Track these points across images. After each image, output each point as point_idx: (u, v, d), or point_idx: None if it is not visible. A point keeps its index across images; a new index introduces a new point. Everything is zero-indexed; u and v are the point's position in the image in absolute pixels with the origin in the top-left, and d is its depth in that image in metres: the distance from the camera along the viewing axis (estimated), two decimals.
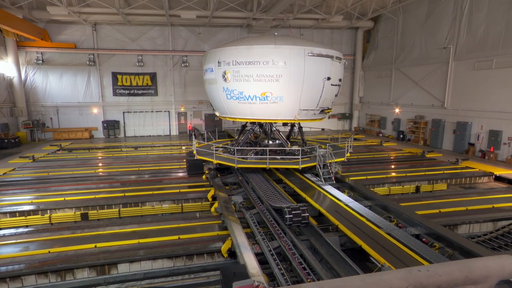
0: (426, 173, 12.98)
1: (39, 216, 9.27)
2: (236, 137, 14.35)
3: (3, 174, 13.28)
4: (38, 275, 6.34)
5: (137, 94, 24.84)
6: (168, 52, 24.62)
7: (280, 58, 10.54)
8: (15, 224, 8.93)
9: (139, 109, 25.14)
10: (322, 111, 11.94)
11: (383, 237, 6.44)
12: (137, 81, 24.60)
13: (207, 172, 12.47)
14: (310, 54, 10.64)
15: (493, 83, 15.73)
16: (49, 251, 6.91)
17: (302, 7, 20.17)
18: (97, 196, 10.41)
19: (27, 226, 8.90)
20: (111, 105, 24.59)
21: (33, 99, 23.07)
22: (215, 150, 11.83)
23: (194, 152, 12.69)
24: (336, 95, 12.23)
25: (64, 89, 23.56)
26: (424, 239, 6.78)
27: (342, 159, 11.91)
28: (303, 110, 11.37)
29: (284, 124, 13.55)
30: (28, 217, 9.17)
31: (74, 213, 9.49)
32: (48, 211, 9.53)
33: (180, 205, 10.14)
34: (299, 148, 11.25)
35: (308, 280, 5.35)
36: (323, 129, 24.96)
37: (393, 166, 14.81)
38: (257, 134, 14.73)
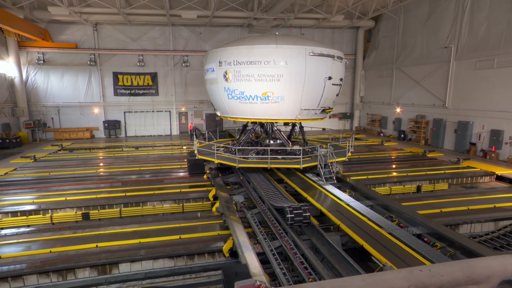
0: (427, 172, 12.95)
1: (41, 216, 9.28)
2: (237, 137, 14.35)
3: (5, 174, 13.31)
4: (39, 275, 6.34)
5: (138, 94, 24.87)
6: (169, 52, 24.64)
7: (281, 58, 10.53)
8: (17, 224, 8.94)
9: (140, 109, 25.17)
10: (323, 111, 11.92)
11: (385, 236, 6.43)
12: (138, 81, 24.63)
13: (208, 171, 12.47)
14: (311, 54, 10.63)
15: (495, 82, 15.69)
16: (50, 251, 6.92)
17: (303, 6, 20.15)
18: (98, 196, 10.43)
19: (28, 226, 8.92)
20: (112, 105, 24.63)
21: (34, 99, 23.12)
22: (216, 150, 11.83)
23: (195, 151, 12.69)
24: (337, 95, 12.22)
25: (65, 89, 23.60)
26: (425, 239, 6.77)
27: (343, 158, 11.90)
28: (304, 109, 11.36)
29: (285, 124, 13.56)
30: (30, 217, 9.19)
31: (75, 213, 9.50)
32: (50, 211, 9.55)
33: (181, 204, 10.14)
34: (300, 148, 11.24)
35: (310, 279, 5.34)
36: (324, 129, 24.93)
37: (394, 166, 14.79)
38: (258, 134, 14.73)
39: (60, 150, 19.04)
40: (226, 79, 11.23)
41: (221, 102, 12.18)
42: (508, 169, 13.41)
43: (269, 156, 10.82)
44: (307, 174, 11.13)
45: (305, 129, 14.00)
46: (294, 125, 13.86)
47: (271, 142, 12.81)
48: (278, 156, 11.62)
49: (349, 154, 12.37)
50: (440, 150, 18.20)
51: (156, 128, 25.66)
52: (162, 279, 6.72)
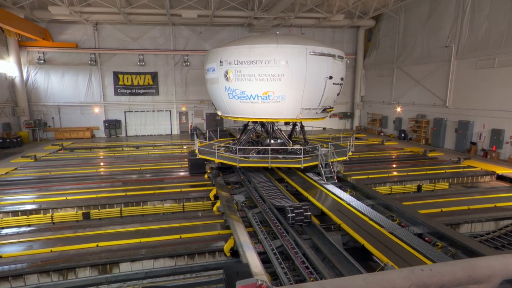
0: (428, 172, 12.94)
1: (41, 215, 9.29)
2: (238, 136, 14.35)
3: (5, 173, 13.32)
4: (40, 274, 6.35)
5: (139, 94, 24.87)
6: (169, 51, 24.63)
7: (282, 57, 10.52)
8: (17, 223, 8.94)
9: (141, 109, 25.17)
10: (324, 110, 11.92)
11: (386, 236, 6.43)
12: (138, 80, 24.63)
13: (209, 171, 12.48)
14: (312, 53, 10.62)
15: (495, 82, 15.66)
16: (51, 250, 6.93)
17: (303, 6, 20.13)
18: (98, 195, 10.43)
19: (29, 225, 8.92)
20: (112, 105, 24.63)
21: (35, 99, 23.13)
22: (217, 150, 11.83)
23: (196, 151, 12.69)
24: (338, 94, 12.21)
25: (66, 88, 23.61)
26: (426, 238, 6.76)
27: (344, 158, 11.89)
28: (305, 109, 11.35)
29: (286, 123, 13.54)
30: (30, 216, 9.19)
31: (76, 212, 9.51)
32: (50, 210, 9.55)
33: (181, 204, 10.14)
34: (301, 147, 11.23)
35: (311, 279, 5.34)
36: (324, 128, 24.92)
37: (394, 165, 14.77)
38: (259, 133, 14.73)
39: (60, 150, 19.05)
40: (227, 79, 11.22)
41: (222, 101, 12.18)
42: (509, 169, 13.39)
43: (270, 155, 10.82)
44: (308, 174, 11.12)
45: (305, 128, 13.99)
46: (295, 124, 13.86)
47: (272, 141, 12.81)
48: (279, 156, 11.62)
49: (350, 153, 12.36)
50: (440, 149, 18.18)
51: (157, 128, 25.66)
52: (163, 278, 6.72)
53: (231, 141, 15.02)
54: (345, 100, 28.11)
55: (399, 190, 11.50)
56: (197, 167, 12.84)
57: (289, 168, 11.52)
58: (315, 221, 7.63)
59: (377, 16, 24.18)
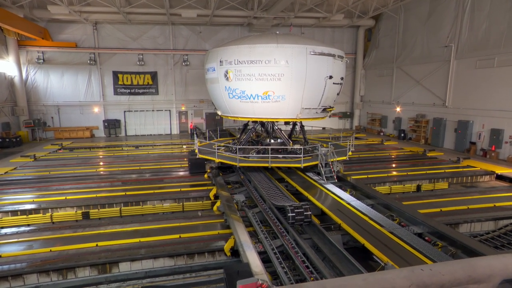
0: (427, 172, 12.95)
1: (41, 215, 9.27)
2: (238, 136, 14.34)
3: (5, 173, 13.30)
4: (39, 274, 6.34)
5: (138, 93, 24.85)
6: (169, 51, 24.61)
7: (282, 57, 10.51)
8: (17, 223, 8.93)
9: (140, 108, 25.15)
10: (324, 110, 11.91)
11: (386, 235, 6.42)
12: (138, 80, 24.60)
13: (209, 171, 12.47)
14: (312, 53, 10.61)
15: (495, 81, 15.67)
16: (50, 250, 6.92)
17: (303, 5, 20.12)
18: (98, 195, 10.42)
19: (28, 225, 8.90)
20: (112, 104, 24.61)
21: (34, 98, 23.10)
22: (217, 149, 11.83)
23: (196, 151, 12.69)
24: (338, 94, 12.20)
25: (65, 88, 23.58)
26: (426, 238, 6.76)
27: (344, 157, 11.89)
28: (305, 109, 11.35)
29: (286, 123, 13.53)
30: (30, 216, 9.18)
31: (75, 212, 9.49)
32: (50, 210, 9.53)
33: (181, 204, 10.14)
34: (301, 147, 11.23)
35: (312, 278, 5.34)
36: (323, 128, 24.92)
37: (394, 165, 14.79)
38: (259, 133, 14.72)
39: (60, 149, 19.03)
40: (227, 78, 11.21)
41: (222, 101, 12.17)
42: (508, 168, 13.40)
43: (270, 155, 10.81)
44: (308, 173, 11.12)
45: (305, 128, 13.99)
46: (294, 124, 13.85)
47: (272, 141, 12.81)
48: (279, 155, 11.62)
49: (350, 153, 12.36)
50: (440, 149, 18.20)
51: (156, 127, 25.65)
52: (162, 278, 6.72)
53: (231, 141, 15.01)
54: (345, 100, 28.11)
55: (398, 189, 11.51)
56: (197, 166, 12.84)
57: (289, 167, 11.51)
58: (315, 220, 7.63)
59: (376, 16, 24.18)
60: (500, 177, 12.84)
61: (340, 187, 10.02)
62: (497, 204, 9.45)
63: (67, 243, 7.25)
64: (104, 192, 10.69)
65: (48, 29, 22.37)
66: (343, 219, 7.24)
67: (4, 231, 8.49)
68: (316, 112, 11.79)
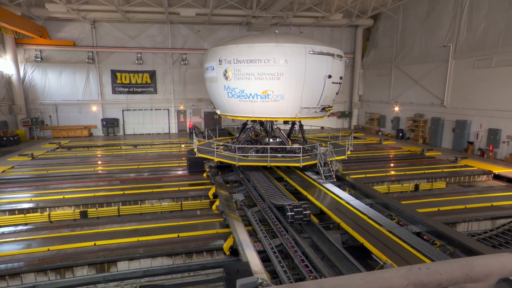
0: (425, 171, 12.99)
1: (38, 214, 9.24)
2: (237, 135, 14.34)
3: (2, 172, 13.23)
4: (37, 273, 6.31)
5: (137, 92, 24.77)
6: (168, 50, 24.54)
7: (281, 56, 10.51)
8: (14, 222, 8.89)
9: (139, 107, 25.09)
10: (323, 109, 11.93)
11: (385, 234, 6.44)
12: (136, 79, 24.53)
13: (208, 170, 12.46)
14: (311, 52, 10.61)
15: (493, 81, 15.73)
16: (48, 249, 6.89)
17: (302, 5, 20.10)
18: (96, 194, 10.39)
19: (26, 224, 8.86)
20: (110, 103, 24.52)
21: (32, 97, 22.98)
22: (216, 148, 11.82)
23: (195, 150, 12.67)
24: (337, 93, 12.22)
25: (63, 87, 23.47)
26: (425, 237, 6.79)
27: (343, 157, 11.91)
28: (304, 108, 11.35)
29: (285, 122, 13.54)
30: (27, 215, 9.13)
31: (74, 211, 9.46)
32: (47, 209, 9.49)
33: (179, 203, 10.13)
34: (300, 146, 11.24)
35: (311, 277, 5.36)
36: (322, 127, 24.97)
37: (392, 165, 14.82)
38: (258, 132, 14.72)
39: (58, 148, 18.95)
40: (226, 78, 11.20)
41: (221, 100, 12.15)
42: (506, 168, 13.47)
43: (269, 154, 10.81)
44: (307, 173, 11.13)
45: (304, 127, 14.00)
46: (293, 123, 13.86)
47: (271, 140, 12.81)
48: (278, 155, 11.62)
49: (349, 152, 12.39)
50: (438, 149, 18.26)
51: (155, 126, 25.59)
52: (161, 277, 6.70)
53: (230, 140, 15.01)
54: (343, 99, 28.15)
55: (396, 189, 11.55)
56: (196, 165, 12.83)
57: (288, 167, 11.52)
58: (314, 220, 7.64)
59: (375, 15, 24.21)
60: (497, 177, 12.90)
61: (339, 186, 10.04)
62: (494, 204, 9.50)
63: (65, 242, 7.22)
64: (102, 191, 10.65)
65: (46, 28, 22.25)
66: (342, 218, 7.25)
67: (1, 230, 8.44)
68: (315, 112, 11.81)
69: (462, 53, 17.39)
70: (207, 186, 11.00)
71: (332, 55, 11.10)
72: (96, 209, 9.64)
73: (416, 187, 11.71)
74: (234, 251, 6.78)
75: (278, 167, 11.72)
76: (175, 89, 25.39)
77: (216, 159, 11.68)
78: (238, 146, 11.40)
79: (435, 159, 15.61)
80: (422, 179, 12.24)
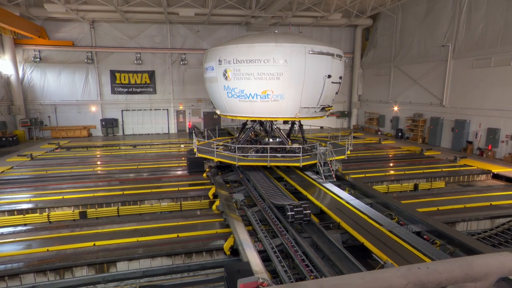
0: (424, 171, 13.00)
1: (38, 214, 9.22)
2: (237, 135, 14.34)
3: (1, 172, 13.20)
4: (36, 274, 6.29)
5: (136, 92, 24.75)
6: (167, 50, 24.52)
7: (281, 56, 10.51)
8: (14, 222, 8.87)
9: (138, 107, 25.06)
10: (323, 109, 11.93)
11: (385, 234, 6.44)
12: (135, 79, 24.50)
13: (207, 170, 12.46)
14: (311, 52, 10.61)
15: (492, 81, 15.77)
16: (47, 250, 6.87)
17: (301, 4, 20.11)
18: (95, 194, 10.37)
19: (25, 225, 8.85)
20: (109, 103, 24.49)
21: (31, 97, 22.94)
22: (216, 148, 11.82)
23: (195, 150, 12.67)
24: (336, 93, 12.22)
25: (62, 87, 23.43)
26: (425, 236, 6.79)
27: (343, 157, 11.92)
28: (304, 108, 11.36)
29: (285, 122, 13.54)
30: (27, 215, 9.12)
31: (73, 211, 9.45)
32: (47, 209, 9.47)
33: (179, 203, 10.12)
34: (300, 146, 11.25)
35: (311, 277, 5.36)
36: (321, 127, 24.98)
37: (391, 164, 14.83)
38: (258, 132, 14.72)
39: (57, 149, 18.92)
40: (226, 78, 11.19)
41: (220, 100, 12.14)
42: (504, 167, 13.50)
43: (268, 154, 10.81)
44: (307, 172, 11.13)
45: (303, 127, 14.00)
46: (293, 123, 13.86)
47: (271, 140, 12.81)
48: (278, 154, 11.62)
49: (348, 152, 12.40)
50: (437, 148, 18.29)
51: (154, 127, 25.56)
52: (160, 277, 6.69)
53: (229, 140, 15.00)
54: (343, 99, 28.17)
55: (396, 188, 11.56)
56: (195, 165, 12.83)
57: (288, 166, 11.52)
58: (315, 219, 7.64)
59: (374, 15, 24.23)
60: (496, 176, 12.93)
61: (339, 186, 10.04)
62: (493, 203, 9.51)
63: (64, 242, 7.20)
64: (102, 192, 10.64)
65: (45, 28, 22.21)
66: (342, 218, 7.25)
67: (0, 230, 8.41)
68: (315, 111, 11.81)
69: (461, 52, 17.42)
70: (207, 186, 11.00)
71: (332, 54, 11.10)
72: (96, 209, 9.62)
73: (416, 186, 11.72)
74: (234, 251, 6.78)
75: (278, 167, 11.73)
76: (174, 89, 25.37)
77: (216, 159, 11.68)
78: (238, 146, 11.39)
79: (434, 158, 15.63)
80: (421, 179, 12.25)
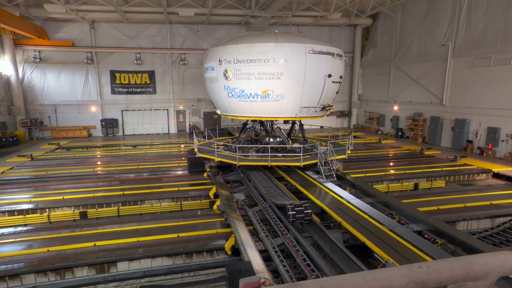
0: (425, 170, 13.01)
1: (38, 214, 9.21)
2: (237, 135, 14.33)
3: (1, 173, 13.20)
4: (37, 274, 6.30)
5: (136, 92, 24.75)
6: (167, 50, 24.52)
7: (281, 56, 10.50)
8: (14, 223, 8.87)
9: (138, 107, 25.06)
10: (323, 108, 11.92)
11: (386, 233, 6.43)
12: (135, 79, 24.50)
13: (208, 170, 12.46)
14: (311, 52, 10.61)
15: (491, 80, 15.76)
16: (48, 250, 6.87)
17: (301, 4, 20.10)
18: (96, 194, 10.37)
19: (25, 225, 8.85)
20: (109, 104, 24.49)
21: (31, 98, 22.94)
22: (216, 148, 11.82)
23: (196, 150, 12.67)
24: (337, 92, 12.21)
25: (62, 87, 23.43)
26: (426, 236, 6.78)
27: (343, 156, 11.91)
28: (304, 107, 11.35)
29: (285, 122, 13.54)
30: (27, 216, 9.11)
31: (73, 211, 9.45)
32: (47, 209, 9.47)
33: (179, 203, 10.12)
34: (300, 146, 11.24)
35: (313, 276, 5.36)
36: (321, 127, 24.96)
37: (391, 164, 14.83)
38: (258, 132, 14.72)
39: (57, 149, 18.92)
40: (226, 78, 11.19)
41: (221, 100, 12.14)
42: (505, 167, 13.50)
43: (269, 154, 10.81)
44: (307, 172, 11.12)
45: (304, 127, 13.99)
46: (294, 123, 13.86)
47: (271, 140, 12.80)
48: (278, 154, 11.61)
49: (349, 151, 12.39)
50: (437, 147, 18.28)
51: (154, 127, 25.57)
52: (161, 277, 6.69)
53: (230, 140, 15.00)
54: (343, 99, 28.16)
55: (396, 188, 11.56)
56: (196, 165, 12.83)
57: (288, 166, 11.51)
58: (316, 219, 7.64)
59: (374, 15, 24.22)
60: (496, 175, 12.93)
61: (339, 185, 10.02)
62: (493, 202, 9.52)
63: (64, 243, 7.20)
64: (102, 192, 10.64)
65: (45, 28, 22.20)
66: (343, 217, 7.25)
67: (1, 231, 8.41)
68: (315, 111, 11.80)
69: (461, 52, 17.41)
70: (207, 186, 11.00)
71: (332, 54, 11.09)
72: (96, 209, 9.62)
73: (416, 186, 11.72)
74: (235, 250, 6.78)
75: (278, 166, 11.72)
76: (174, 89, 25.36)
77: (216, 159, 11.67)
78: (239, 146, 11.39)
79: (434, 158, 15.62)
80: (421, 178, 12.25)
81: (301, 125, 13.53)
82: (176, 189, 10.94)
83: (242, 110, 11.77)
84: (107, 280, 6.51)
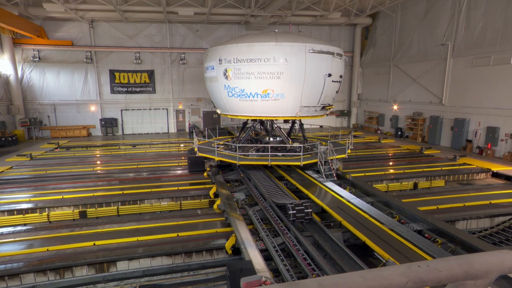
0: (424, 169, 13.03)
1: (37, 214, 9.21)
2: (237, 135, 14.33)
3: (1, 172, 13.18)
4: (36, 273, 6.29)
5: (135, 92, 24.71)
6: (166, 49, 24.49)
7: (281, 55, 10.49)
8: (13, 222, 8.85)
9: (137, 107, 25.04)
10: (323, 108, 11.92)
11: (386, 232, 6.44)
12: (134, 78, 24.47)
13: (208, 169, 12.45)
14: (311, 51, 10.60)
15: (491, 80, 15.78)
16: (47, 249, 6.87)
17: (301, 3, 20.09)
18: (95, 194, 10.36)
19: (25, 225, 8.83)
20: (108, 103, 24.46)
21: (30, 97, 22.89)
22: (217, 147, 11.81)
23: (196, 149, 12.67)
24: (337, 92, 12.21)
25: (61, 86, 23.39)
26: (426, 235, 6.78)
27: (343, 155, 11.92)
28: (304, 107, 11.34)
29: (285, 121, 13.53)
30: (26, 215, 9.10)
31: (73, 211, 9.44)
32: (46, 209, 9.46)
33: (178, 202, 10.12)
34: (301, 145, 11.25)
35: (314, 275, 5.37)
36: (321, 126, 24.97)
37: (391, 163, 14.84)
38: (258, 131, 14.71)
39: (56, 148, 18.90)
40: (226, 77, 11.18)
41: (221, 100, 12.13)
42: (504, 166, 13.52)
43: (269, 153, 10.81)
44: (307, 171, 11.12)
45: (304, 126, 13.99)
46: (294, 122, 13.85)
47: (271, 139, 12.80)
48: (278, 153, 11.62)
49: (349, 151, 12.40)
50: (436, 147, 18.30)
51: (154, 126, 25.54)
52: (160, 276, 6.69)
53: (230, 139, 15.00)
54: (342, 98, 28.16)
55: (395, 187, 11.58)
56: (196, 165, 12.84)
57: (288, 165, 11.51)
58: (316, 218, 7.64)
59: (374, 14, 24.22)
60: (496, 175, 12.95)
61: (339, 185, 10.02)
62: (493, 202, 9.54)
63: (64, 242, 7.20)
64: (101, 191, 10.62)
65: (44, 27, 22.15)
66: (343, 216, 7.25)
67: (0, 230, 8.40)
68: (315, 110, 11.80)
69: (460, 51, 17.42)
70: (207, 186, 10.99)
71: (332, 53, 11.09)
72: (95, 209, 9.61)
73: (415, 185, 11.74)
74: (235, 250, 6.79)
75: (278, 166, 11.72)
76: (173, 89, 25.34)
77: (216, 158, 11.66)
78: (239, 145, 11.38)
79: (433, 157, 15.64)
80: (421, 178, 12.27)
81: (301, 124, 13.53)
82: (176, 188, 10.94)
83: (242, 110, 11.77)
84: (107, 280, 6.51)
